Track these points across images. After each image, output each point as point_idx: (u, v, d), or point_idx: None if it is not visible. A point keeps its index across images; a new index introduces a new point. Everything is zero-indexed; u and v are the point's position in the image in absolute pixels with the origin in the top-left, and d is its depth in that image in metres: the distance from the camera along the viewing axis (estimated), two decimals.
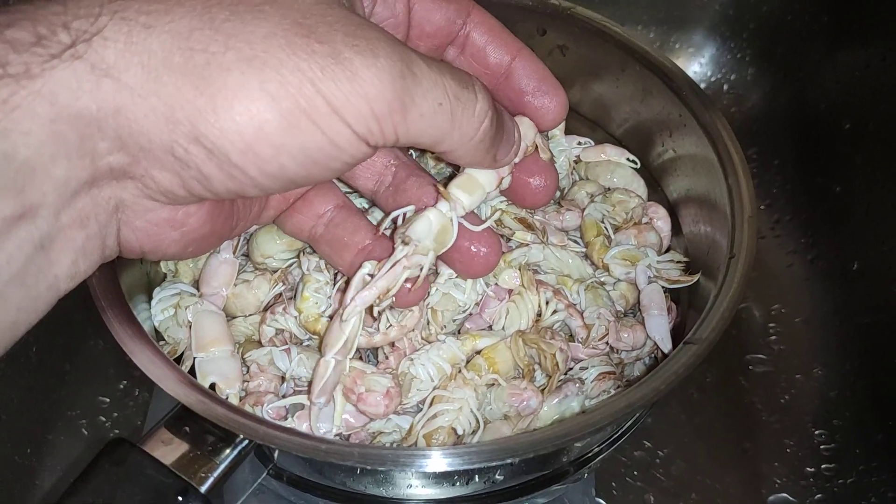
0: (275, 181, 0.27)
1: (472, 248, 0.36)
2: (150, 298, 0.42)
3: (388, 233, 0.37)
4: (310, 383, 0.37)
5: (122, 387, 0.57)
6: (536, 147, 0.38)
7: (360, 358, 0.40)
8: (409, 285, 0.35)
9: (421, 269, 0.35)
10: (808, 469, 0.55)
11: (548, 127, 0.37)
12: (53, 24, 0.24)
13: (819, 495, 0.54)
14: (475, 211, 0.38)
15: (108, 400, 0.56)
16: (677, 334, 0.42)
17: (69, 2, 0.24)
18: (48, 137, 0.23)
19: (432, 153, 0.41)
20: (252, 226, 0.37)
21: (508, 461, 0.31)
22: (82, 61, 0.24)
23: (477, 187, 0.36)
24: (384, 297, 0.35)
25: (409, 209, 0.36)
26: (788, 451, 0.56)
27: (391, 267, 0.34)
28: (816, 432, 0.57)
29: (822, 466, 0.55)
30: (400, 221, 0.36)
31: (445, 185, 0.36)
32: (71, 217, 0.25)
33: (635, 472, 0.55)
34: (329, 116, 0.26)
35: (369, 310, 0.40)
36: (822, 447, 0.56)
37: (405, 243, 0.34)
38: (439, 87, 0.29)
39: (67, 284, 0.26)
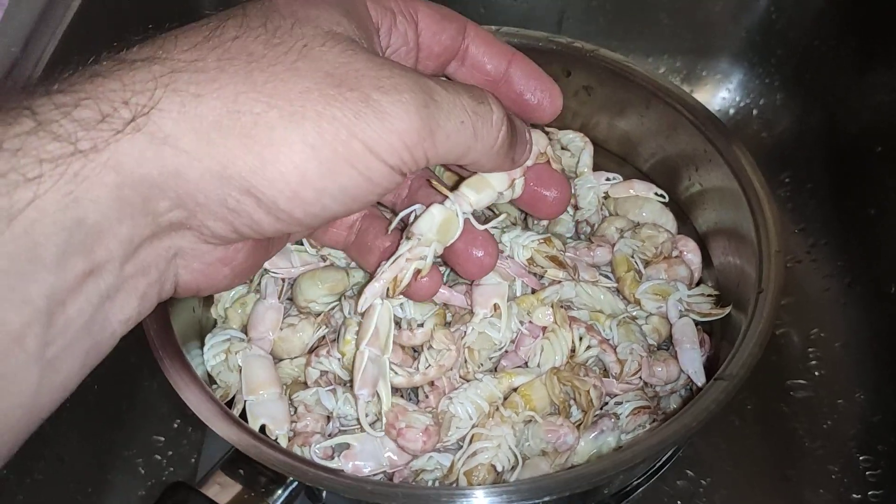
0: (317, 219, 0.30)
1: (471, 250, 0.39)
2: (202, 344, 0.44)
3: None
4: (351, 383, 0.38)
5: (175, 426, 0.59)
6: (548, 159, 0.40)
7: (402, 397, 0.42)
8: (424, 279, 0.38)
9: (425, 260, 0.37)
10: (855, 496, 0.55)
11: (546, 119, 0.39)
12: (114, 101, 0.26)
13: None
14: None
15: (162, 439, 0.59)
16: (711, 366, 0.43)
17: (126, 79, 0.27)
18: (114, 202, 0.26)
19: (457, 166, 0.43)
20: (283, 247, 0.41)
21: (546, 499, 0.32)
22: (142, 133, 0.26)
23: (486, 186, 0.38)
24: (396, 290, 0.37)
25: (418, 207, 0.38)
26: (833, 477, 0.56)
27: (395, 260, 0.37)
28: (861, 458, 0.56)
29: (869, 493, 0.55)
30: (412, 220, 0.39)
31: (456, 187, 0.38)
32: (134, 268, 0.28)
33: (678, 502, 0.55)
34: (365, 157, 0.29)
35: (408, 349, 0.42)
36: (867, 473, 0.56)
37: (408, 238, 0.37)
38: (459, 108, 0.31)
39: (126, 327, 0.28)
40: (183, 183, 0.27)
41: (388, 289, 0.37)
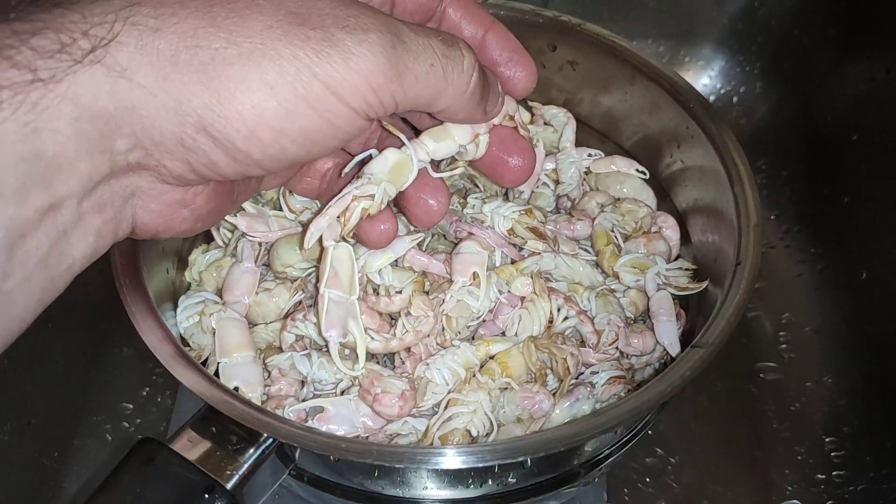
0: (276, 161, 0.30)
1: (421, 195, 0.38)
2: (175, 307, 0.43)
3: None
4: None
5: (144, 393, 0.58)
6: (516, 125, 0.40)
7: (378, 363, 0.42)
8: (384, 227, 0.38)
9: (373, 199, 0.36)
10: (819, 476, 0.56)
11: (519, 95, 0.39)
12: (73, 31, 0.26)
13: (830, 502, 0.54)
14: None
15: (131, 406, 0.58)
16: (686, 340, 0.43)
17: (86, 10, 0.26)
18: (73, 135, 0.25)
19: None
20: (251, 197, 0.40)
21: (520, 459, 0.32)
22: (100, 65, 0.26)
23: (447, 136, 0.38)
24: (345, 228, 0.36)
25: (374, 151, 0.37)
26: (799, 458, 0.57)
27: (341, 196, 0.36)
28: (827, 440, 0.57)
29: (833, 473, 0.56)
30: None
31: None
32: (91, 205, 0.27)
33: (647, 479, 0.56)
34: (326, 98, 0.28)
35: (385, 316, 0.42)
36: (832, 454, 0.57)
37: (359, 177, 0.37)
38: (428, 50, 0.31)
39: (82, 264, 0.28)
40: (139, 118, 0.27)
41: (339, 230, 0.37)
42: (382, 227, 0.38)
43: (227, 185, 0.34)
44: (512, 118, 0.40)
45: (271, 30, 0.27)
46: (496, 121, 0.39)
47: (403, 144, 0.37)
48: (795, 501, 0.55)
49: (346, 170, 0.38)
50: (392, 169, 0.37)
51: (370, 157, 0.37)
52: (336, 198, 0.37)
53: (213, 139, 0.28)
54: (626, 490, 0.55)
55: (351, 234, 0.37)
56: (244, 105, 0.27)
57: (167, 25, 0.27)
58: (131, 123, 0.27)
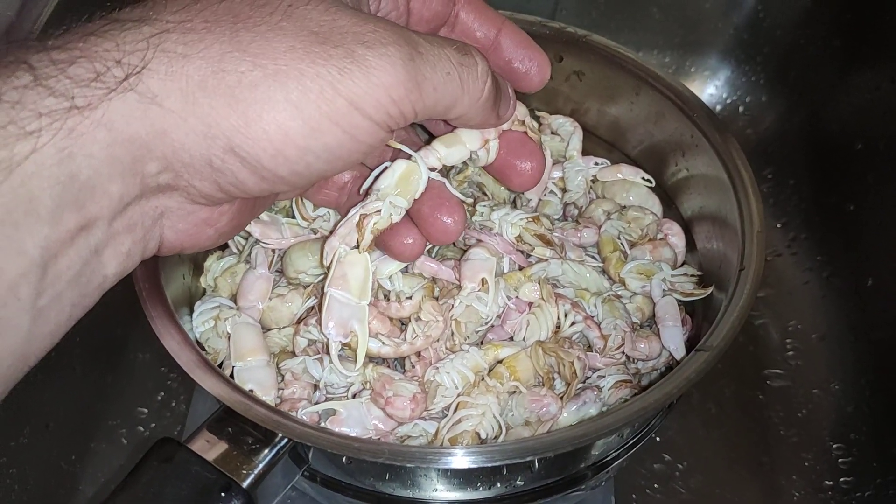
0: (301, 178, 0.31)
1: (437, 215, 0.38)
2: (191, 312, 0.44)
3: None
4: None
5: (159, 398, 0.59)
6: (526, 129, 0.40)
7: (389, 367, 0.42)
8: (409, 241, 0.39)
9: (380, 213, 0.37)
10: (826, 482, 0.56)
11: (534, 88, 0.40)
12: (107, 60, 0.27)
13: None
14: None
15: (146, 411, 0.59)
16: (692, 345, 0.43)
17: (118, 39, 0.27)
18: (106, 159, 0.26)
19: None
20: (268, 207, 0.41)
21: (529, 459, 0.33)
22: (133, 92, 0.27)
23: (457, 142, 0.38)
24: (361, 244, 0.37)
25: (388, 163, 0.38)
26: (806, 464, 0.57)
27: (350, 216, 0.37)
28: (834, 446, 0.58)
29: (840, 480, 0.56)
30: None
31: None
32: (122, 225, 0.28)
33: (655, 485, 0.56)
34: (349, 114, 0.29)
35: (395, 321, 0.43)
36: (839, 461, 0.57)
37: (368, 194, 0.37)
38: (444, 59, 0.32)
39: (112, 282, 0.29)
40: (169, 142, 0.28)
41: (357, 244, 0.38)
42: (406, 241, 0.39)
43: (249, 203, 0.35)
44: (522, 122, 0.41)
45: (294, 50, 0.28)
46: (505, 126, 0.40)
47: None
48: None
49: (364, 186, 0.39)
50: (399, 180, 0.37)
51: (384, 169, 0.38)
52: (345, 218, 0.38)
53: (240, 159, 0.29)
54: (633, 495, 0.55)
55: (368, 249, 0.38)
56: (270, 125, 0.28)
57: (195, 52, 0.28)
58: (162, 147, 0.28)
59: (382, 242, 0.40)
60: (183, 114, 0.28)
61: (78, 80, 0.26)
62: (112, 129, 0.26)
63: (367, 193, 0.38)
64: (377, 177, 0.38)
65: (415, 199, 0.38)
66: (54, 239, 0.25)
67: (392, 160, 0.39)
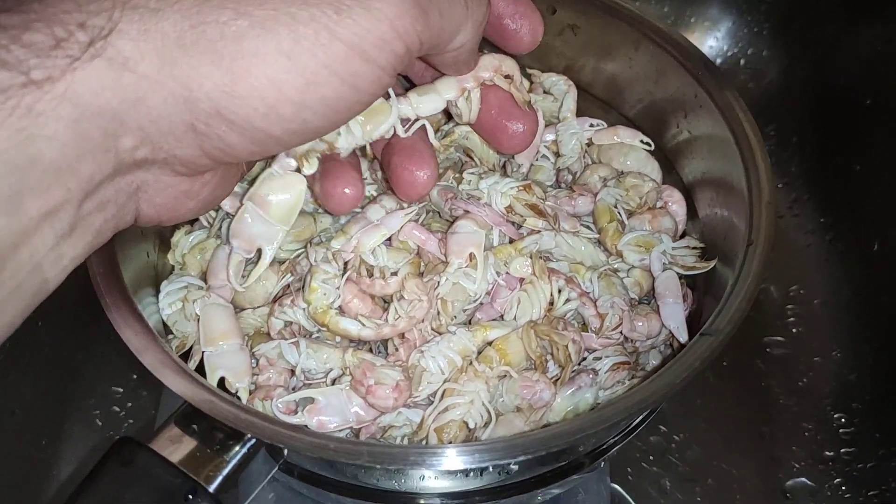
0: (297, 136, 0.28)
1: (408, 167, 0.36)
2: (157, 292, 0.41)
3: None
4: None
5: (134, 377, 0.57)
6: (512, 85, 0.38)
7: (370, 350, 0.40)
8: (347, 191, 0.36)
9: (339, 136, 0.35)
10: (827, 453, 0.55)
11: (524, 49, 0.37)
12: (68, 23, 0.23)
13: (838, 479, 0.53)
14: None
15: (121, 390, 0.57)
16: (693, 321, 0.41)
17: None
18: (73, 138, 0.23)
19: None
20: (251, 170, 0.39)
21: (520, 458, 0.30)
22: (101, 59, 0.24)
23: (431, 91, 0.36)
24: (304, 168, 0.35)
25: None
26: (807, 434, 0.56)
27: None
28: (835, 416, 0.56)
29: (842, 450, 0.55)
30: None
31: None
32: (92, 205, 0.25)
33: (651, 458, 0.55)
34: (349, 61, 0.26)
35: (377, 300, 0.40)
36: (840, 431, 0.55)
37: None
38: None
39: (77, 263, 0.26)
40: (146, 111, 0.25)
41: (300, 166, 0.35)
42: (346, 190, 0.36)
43: (234, 169, 0.32)
44: (510, 77, 0.38)
45: None
46: (486, 76, 0.37)
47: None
48: (803, 479, 0.54)
49: None
50: (367, 111, 0.34)
51: None
52: None
53: (228, 122, 0.26)
54: (629, 470, 0.54)
55: (309, 173, 0.35)
56: (260, 80, 0.25)
57: (168, 4, 0.24)
58: (137, 117, 0.25)
59: (321, 188, 0.36)
60: (160, 77, 0.24)
61: (35, 49, 0.23)
62: (78, 103, 0.23)
63: None
64: None
65: (385, 150, 0.36)
66: (13, 230, 0.23)
67: None
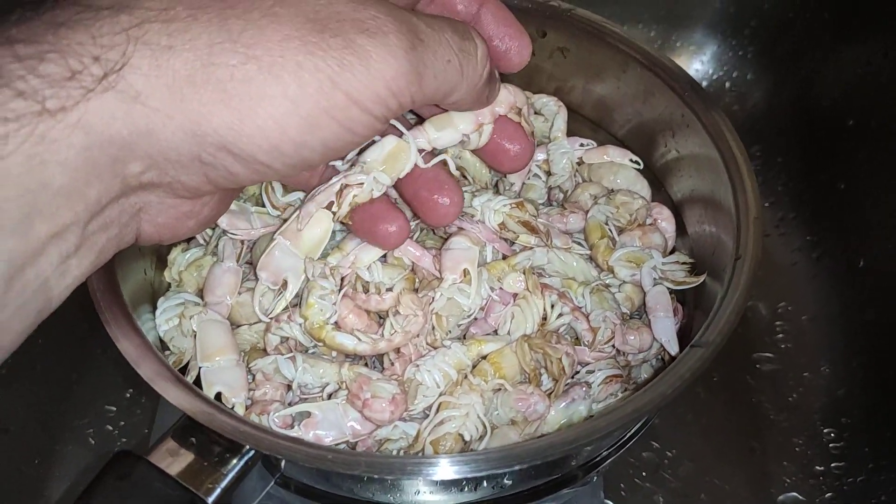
0: (295, 169, 0.29)
1: (436, 198, 0.38)
2: (154, 308, 0.42)
3: None
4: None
5: (128, 395, 0.57)
6: (521, 119, 0.40)
7: (366, 364, 0.40)
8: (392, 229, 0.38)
9: (363, 187, 0.36)
10: (818, 468, 0.55)
11: (513, 68, 0.39)
12: (83, 55, 0.24)
13: (829, 494, 0.54)
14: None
15: (114, 409, 0.56)
16: (684, 335, 0.42)
17: (94, 30, 0.25)
18: (83, 164, 0.24)
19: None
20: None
21: (515, 468, 0.31)
22: (114, 91, 0.25)
23: (449, 125, 0.38)
24: (337, 216, 0.37)
25: (376, 137, 0.37)
26: (797, 449, 0.56)
27: (331, 184, 0.36)
28: (825, 430, 0.57)
29: (832, 465, 0.55)
30: None
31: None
32: (97, 225, 0.26)
33: (644, 474, 0.55)
34: (348, 109, 0.28)
35: (373, 315, 0.41)
36: (830, 445, 0.56)
37: (354, 164, 0.37)
38: (445, 45, 0.30)
39: (80, 281, 0.27)
40: (155, 142, 0.26)
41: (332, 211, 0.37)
42: (392, 228, 0.38)
43: (233, 192, 0.33)
44: (520, 111, 0.40)
45: (290, 40, 0.26)
46: (502, 111, 0.39)
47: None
48: (794, 493, 0.54)
49: (350, 156, 0.38)
50: (388, 157, 0.37)
51: (372, 142, 0.37)
52: (326, 185, 0.36)
53: (233, 155, 0.27)
54: (622, 485, 0.54)
55: (341, 217, 0.37)
56: (266, 121, 0.27)
57: (181, 43, 0.25)
58: (146, 147, 0.26)
59: (366, 228, 0.39)
60: (169, 111, 0.26)
61: (50, 80, 0.24)
62: (90, 132, 0.24)
63: (352, 163, 0.37)
64: (364, 149, 0.37)
65: (408, 183, 0.38)
66: (22, 251, 0.24)
67: (382, 135, 0.37)
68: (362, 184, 0.36)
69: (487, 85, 0.34)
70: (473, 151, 0.41)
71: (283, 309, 0.41)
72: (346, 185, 0.36)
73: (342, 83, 0.27)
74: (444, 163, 0.39)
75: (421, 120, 0.39)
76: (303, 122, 0.27)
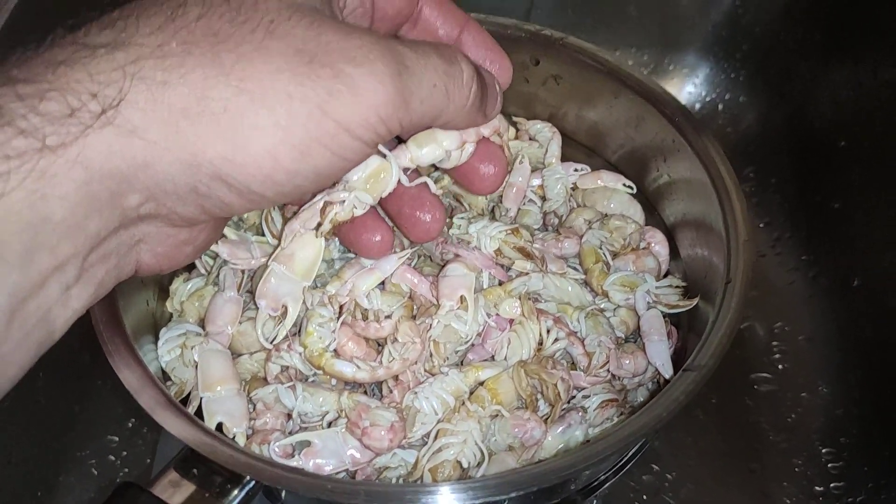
0: (288, 197, 0.30)
1: (418, 214, 0.39)
2: (156, 339, 0.42)
3: None
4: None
5: (130, 426, 0.57)
6: (502, 143, 0.40)
7: (365, 392, 0.41)
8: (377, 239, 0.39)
9: (343, 205, 0.37)
10: (817, 488, 0.55)
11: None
12: (81, 93, 0.25)
13: None
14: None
15: (116, 439, 0.57)
16: (679, 358, 0.42)
17: (91, 68, 0.25)
18: (83, 199, 0.25)
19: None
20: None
21: (513, 494, 0.31)
22: (112, 126, 0.25)
23: (431, 142, 0.38)
24: (319, 232, 0.38)
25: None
26: (797, 470, 0.56)
27: (313, 203, 0.37)
28: (824, 451, 0.57)
29: (832, 485, 0.55)
30: None
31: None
32: (97, 257, 0.27)
33: (644, 497, 0.55)
34: (338, 136, 0.28)
35: (372, 343, 0.41)
36: (829, 465, 0.56)
37: (337, 182, 0.37)
38: (430, 70, 0.31)
39: (80, 314, 0.28)
40: (152, 174, 0.26)
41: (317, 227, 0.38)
42: (376, 238, 0.39)
43: (226, 217, 0.34)
44: (500, 136, 0.40)
45: (280, 72, 0.27)
46: (486, 132, 0.39)
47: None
48: None
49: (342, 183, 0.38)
50: (370, 176, 0.37)
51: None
52: (309, 203, 0.37)
53: (228, 185, 0.28)
54: None
55: (324, 234, 0.38)
56: (259, 151, 0.27)
57: (175, 77, 0.26)
58: (144, 179, 0.27)
59: (350, 238, 0.40)
60: (166, 144, 0.26)
61: (50, 118, 0.24)
62: (89, 167, 0.25)
63: (336, 181, 0.38)
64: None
65: (392, 200, 0.38)
66: (24, 284, 0.24)
67: None
68: (344, 201, 0.37)
69: (481, 104, 0.35)
70: (445, 170, 0.41)
71: (284, 337, 0.42)
72: (329, 203, 0.37)
73: (332, 111, 0.28)
74: (426, 184, 0.39)
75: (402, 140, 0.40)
76: (295, 151, 0.28)
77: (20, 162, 0.23)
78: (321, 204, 0.37)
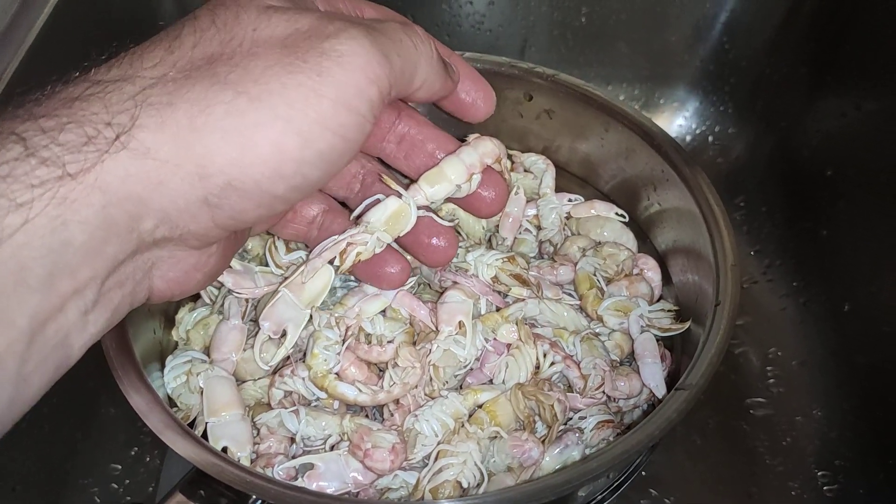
0: (299, 191, 0.31)
1: (433, 240, 0.41)
2: (163, 367, 0.43)
3: None
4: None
5: (133, 453, 0.58)
6: (501, 170, 0.43)
7: (367, 415, 0.42)
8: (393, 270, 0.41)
9: (366, 246, 0.39)
10: None
11: (479, 119, 0.42)
12: (97, 123, 0.27)
13: None
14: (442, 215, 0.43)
15: (119, 467, 0.57)
16: (673, 381, 0.43)
17: (105, 101, 0.27)
18: (102, 222, 0.26)
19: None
20: (241, 246, 0.42)
21: None
22: (126, 150, 0.27)
23: (443, 179, 0.40)
24: (341, 269, 0.40)
25: (381, 197, 0.40)
26: (794, 493, 0.56)
27: (336, 242, 0.39)
28: (819, 473, 0.57)
29: None
30: None
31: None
32: (113, 282, 0.28)
33: None
34: (337, 114, 0.30)
35: (373, 367, 0.42)
36: (825, 488, 0.56)
37: (357, 224, 0.40)
38: (392, 28, 0.33)
39: (97, 338, 0.29)
40: (165, 192, 0.28)
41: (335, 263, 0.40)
42: (392, 269, 0.41)
43: (233, 237, 0.35)
44: (500, 162, 0.43)
45: (271, 68, 0.29)
46: (490, 161, 0.42)
47: (400, 193, 0.40)
48: None
49: (356, 213, 0.41)
50: (391, 217, 0.40)
51: (376, 202, 0.40)
52: (334, 240, 0.39)
53: (238, 191, 0.29)
54: None
55: (345, 270, 0.40)
56: (264, 146, 0.29)
57: (179, 98, 0.28)
58: (158, 199, 0.28)
59: (369, 271, 0.41)
60: (177, 160, 0.28)
61: (69, 147, 0.26)
62: (107, 190, 0.26)
63: (357, 220, 0.40)
64: (368, 206, 0.40)
65: (408, 232, 0.41)
66: (45, 307, 0.25)
67: (362, 194, 0.41)
68: (367, 242, 0.39)
69: (444, 67, 0.37)
70: (452, 199, 0.43)
71: (286, 362, 0.43)
72: (351, 244, 0.39)
73: (324, 89, 0.29)
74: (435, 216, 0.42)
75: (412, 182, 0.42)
76: (298, 138, 0.29)
77: (42, 190, 0.25)
78: (344, 244, 0.39)
